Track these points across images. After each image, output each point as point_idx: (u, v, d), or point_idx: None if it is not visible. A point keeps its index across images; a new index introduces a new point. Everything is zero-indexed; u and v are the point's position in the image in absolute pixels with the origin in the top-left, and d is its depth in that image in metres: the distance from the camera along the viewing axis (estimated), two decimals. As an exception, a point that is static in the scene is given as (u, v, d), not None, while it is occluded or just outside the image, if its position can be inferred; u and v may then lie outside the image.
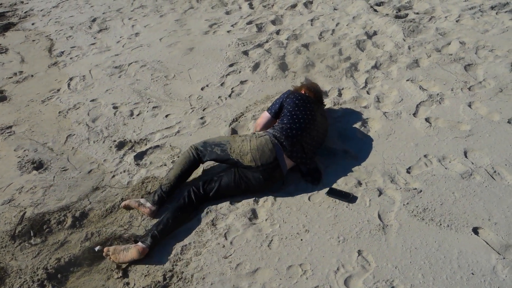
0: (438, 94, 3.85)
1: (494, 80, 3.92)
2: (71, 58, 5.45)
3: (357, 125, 3.56)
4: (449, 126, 3.44)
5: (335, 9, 6.03)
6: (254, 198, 2.96)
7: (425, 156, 3.17)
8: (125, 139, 3.73)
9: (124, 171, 3.36)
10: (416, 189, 2.88)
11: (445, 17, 5.38)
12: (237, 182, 2.91)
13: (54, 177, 3.35)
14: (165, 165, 3.38)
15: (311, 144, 3.06)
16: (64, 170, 3.42)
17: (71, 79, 4.91)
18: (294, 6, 6.33)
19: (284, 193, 3.00)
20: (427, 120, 3.54)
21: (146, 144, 3.64)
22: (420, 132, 3.41)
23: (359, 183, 2.99)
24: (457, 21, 5.22)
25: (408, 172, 3.05)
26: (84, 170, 3.40)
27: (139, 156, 3.49)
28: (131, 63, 5.13)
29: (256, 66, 4.71)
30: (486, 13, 5.32)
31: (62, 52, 5.65)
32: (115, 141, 3.73)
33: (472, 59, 4.31)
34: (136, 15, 6.75)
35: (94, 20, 6.69)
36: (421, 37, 4.93)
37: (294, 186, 3.05)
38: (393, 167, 3.10)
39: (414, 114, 3.65)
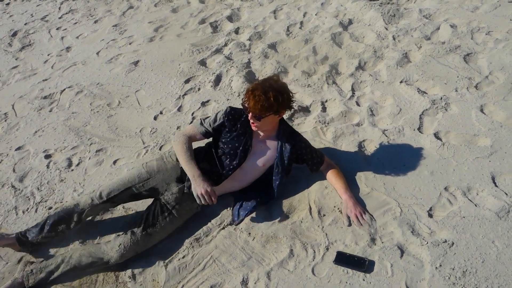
0: (441, 98, 3.28)
1: (502, 73, 3.38)
2: (-12, 90, 4.52)
3: (352, 151, 2.95)
4: (464, 141, 2.89)
5: (299, -5, 5.33)
6: (241, 279, 2.30)
7: (445, 189, 2.60)
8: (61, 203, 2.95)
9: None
10: (446, 241, 2.31)
11: (426, -6, 4.80)
12: None
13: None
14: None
15: None
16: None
17: (-11, 119, 4.02)
18: (251, -5, 5.58)
19: (277, 265, 2.36)
20: (436, 136, 2.97)
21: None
22: (432, 155, 2.83)
23: (373, 240, 2.39)
24: (440, -2, 4.65)
25: (430, 215, 2.47)
26: (13, 260, 2.62)
27: (88, 225, 2.74)
28: (64, 89, 4.28)
29: (217, 80, 3.99)
30: (471, -14, 4.78)
31: (-23, 83, 4.69)
32: (50, 208, 2.96)
33: (470, 46, 3.76)
34: (65, 23, 5.81)
35: (14, 34, 5.70)
36: (404, 22, 4.34)
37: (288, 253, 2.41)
38: (410, 210, 2.51)
39: (419, 129, 3.07)
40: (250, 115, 2.45)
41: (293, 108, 2.76)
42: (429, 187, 2.63)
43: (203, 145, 2.81)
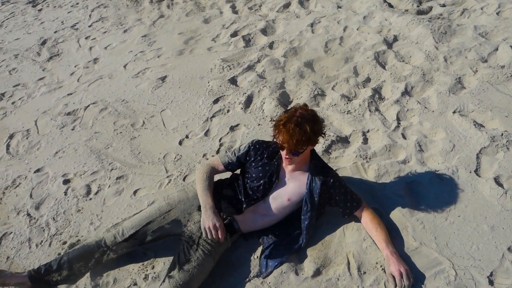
0: (502, 134, 2.91)
1: None
2: (13, 103, 4.44)
3: (397, 196, 2.63)
4: (531, 190, 2.51)
5: (339, 6, 5.01)
6: None
7: (509, 249, 2.27)
8: (78, 240, 2.77)
9: (78, 300, 2.42)
10: (511, 318, 1.97)
11: (481, 8, 4.40)
12: None
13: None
14: (136, 284, 2.44)
15: None
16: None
17: (11, 136, 3.92)
18: (287, 5, 5.32)
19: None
20: (497, 181, 2.62)
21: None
22: (492, 204, 2.49)
23: (422, 309, 2.07)
24: (498, 14, 4.24)
25: (491, 282, 2.14)
26: (21, 302, 2.46)
27: (99, 273, 2.55)
28: (88, 105, 4.14)
29: (248, 101, 3.75)
30: (534, 0, 4.34)
31: (3, 95, 4.63)
32: (65, 242, 2.78)
33: (535, 72, 3.36)
34: (94, 32, 5.72)
35: (44, 43, 5.65)
36: (457, 41, 3.96)
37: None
38: (467, 273, 2.18)
39: (477, 171, 2.72)
40: (285, 151, 2.23)
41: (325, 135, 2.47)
42: (489, 246, 2.29)
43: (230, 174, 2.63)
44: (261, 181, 2.42)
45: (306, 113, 2.20)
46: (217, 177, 2.57)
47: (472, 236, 2.34)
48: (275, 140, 2.26)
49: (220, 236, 2.26)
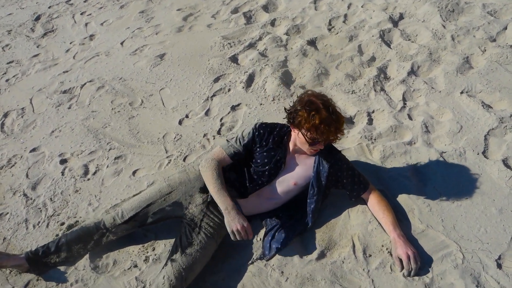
0: (511, 116, 2.86)
1: None
2: (7, 81, 4.34)
3: (403, 178, 2.58)
4: (541, 172, 2.47)
5: (343, -17, 4.87)
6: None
7: (518, 233, 2.21)
8: (77, 221, 2.72)
9: (77, 281, 2.37)
10: (520, 303, 1.94)
11: (490, -14, 4.27)
12: None
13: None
14: (136, 266, 2.41)
15: None
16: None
17: (6, 114, 3.83)
18: (289, -19, 5.15)
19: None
20: (505, 163, 2.57)
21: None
22: (500, 187, 2.44)
23: (429, 292, 2.04)
24: (507, -9, 4.12)
25: (499, 265, 2.11)
26: (19, 284, 2.42)
27: (98, 254, 2.50)
28: (85, 83, 4.04)
29: (250, 80, 3.66)
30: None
31: (-4, 72, 4.52)
32: (63, 223, 2.74)
33: (545, 52, 3.28)
34: (90, 7, 5.57)
35: (37, 19, 5.50)
36: (465, 19, 3.87)
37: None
38: (475, 257, 2.15)
39: (484, 153, 2.67)
40: (321, 144, 2.22)
41: None
42: (497, 229, 2.25)
43: None
44: (267, 167, 2.35)
45: (332, 106, 2.17)
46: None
47: (479, 219, 2.31)
48: (307, 139, 2.18)
49: (249, 236, 2.17)
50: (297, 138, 2.26)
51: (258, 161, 2.37)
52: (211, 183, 2.28)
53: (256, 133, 2.39)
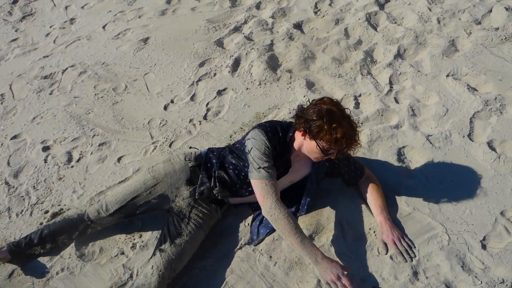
0: (496, 98, 2.89)
1: None
2: (-15, 66, 4.21)
3: (390, 160, 2.60)
4: (524, 154, 2.51)
5: (329, -35, 4.82)
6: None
7: (502, 214, 2.27)
8: (61, 209, 2.69)
9: (63, 270, 2.35)
10: (503, 281, 2.01)
11: (475, -32, 4.27)
12: None
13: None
14: (123, 253, 2.39)
15: None
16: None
17: (-16, 101, 3.73)
18: (274, -37, 5.08)
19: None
20: (490, 145, 2.61)
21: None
22: (485, 169, 2.48)
23: (415, 274, 2.09)
24: (492, -26, 4.13)
25: (483, 246, 2.15)
26: (3, 274, 2.39)
27: (84, 242, 2.48)
28: (66, 68, 3.95)
29: (236, 64, 3.63)
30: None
31: (-27, 57, 4.38)
32: (47, 211, 2.70)
33: (530, 35, 3.31)
34: (70, -10, 5.39)
35: (15, 1, 5.33)
36: (450, 2, 3.88)
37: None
38: (460, 238, 2.19)
39: (470, 136, 2.70)
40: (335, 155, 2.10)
41: None
42: (482, 211, 2.29)
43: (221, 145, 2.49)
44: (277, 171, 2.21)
45: (348, 116, 2.05)
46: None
47: (465, 202, 2.35)
48: (322, 149, 2.04)
49: (349, 285, 1.98)
50: (305, 144, 2.12)
51: None
52: (291, 234, 2.02)
53: (272, 144, 2.15)
